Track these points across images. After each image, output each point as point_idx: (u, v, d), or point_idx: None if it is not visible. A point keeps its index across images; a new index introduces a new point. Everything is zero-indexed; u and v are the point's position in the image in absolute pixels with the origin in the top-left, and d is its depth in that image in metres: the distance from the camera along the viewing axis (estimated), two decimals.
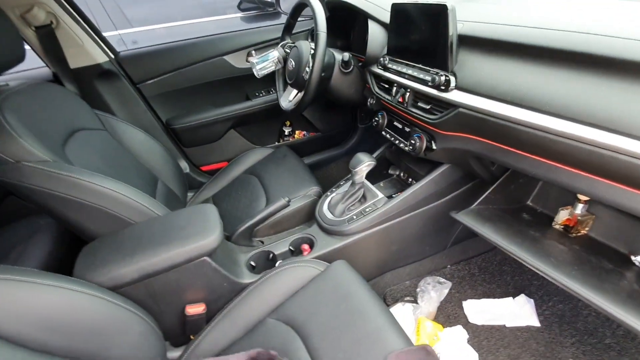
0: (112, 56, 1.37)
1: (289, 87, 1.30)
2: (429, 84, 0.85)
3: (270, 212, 1.09)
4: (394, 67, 1.01)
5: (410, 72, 0.94)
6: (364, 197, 1.07)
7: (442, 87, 0.82)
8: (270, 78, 1.41)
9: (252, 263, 1.03)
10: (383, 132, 1.13)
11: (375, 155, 1.25)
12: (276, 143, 1.76)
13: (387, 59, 1.05)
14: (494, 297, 1.10)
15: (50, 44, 1.24)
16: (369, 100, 1.20)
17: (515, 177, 0.91)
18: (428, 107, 0.90)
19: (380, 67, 1.08)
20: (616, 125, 0.54)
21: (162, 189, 1.24)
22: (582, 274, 0.69)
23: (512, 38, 0.72)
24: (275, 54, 1.31)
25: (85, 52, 1.32)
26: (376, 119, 1.15)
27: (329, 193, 1.16)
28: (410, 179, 1.15)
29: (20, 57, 0.89)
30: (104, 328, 0.66)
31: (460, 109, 0.78)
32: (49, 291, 0.61)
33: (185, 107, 1.54)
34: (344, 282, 0.84)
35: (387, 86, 1.07)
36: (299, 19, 1.31)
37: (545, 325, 1.02)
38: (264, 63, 1.31)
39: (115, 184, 0.89)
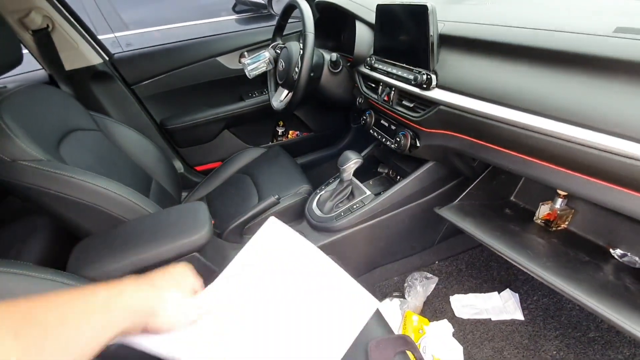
0: (107, 58, 1.40)
1: (280, 87, 1.32)
2: (412, 82, 0.87)
3: (260, 209, 1.11)
4: (380, 66, 1.03)
5: (395, 71, 0.96)
6: (352, 194, 1.09)
7: (424, 86, 0.84)
8: (263, 79, 1.44)
9: None
10: (371, 131, 1.15)
11: (363, 153, 1.27)
12: (269, 143, 1.78)
13: (374, 58, 1.07)
14: (480, 292, 1.12)
15: (46, 46, 1.27)
16: (357, 99, 1.23)
17: (497, 173, 0.93)
18: (412, 105, 0.92)
19: (367, 67, 1.10)
20: (587, 121, 0.56)
21: (156, 188, 1.27)
22: (557, 266, 0.71)
23: (489, 37, 0.75)
24: (266, 55, 1.33)
25: (80, 55, 1.34)
26: (364, 117, 1.17)
27: (318, 191, 1.18)
28: (398, 177, 1.17)
29: (17, 60, 0.91)
30: None
31: (441, 107, 0.81)
32: (43, 284, 0.63)
33: (179, 107, 1.57)
34: None
35: (374, 85, 1.09)
36: (291, 20, 1.34)
37: (530, 319, 1.04)
38: (256, 64, 1.33)
39: (108, 182, 0.91)
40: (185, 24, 2.31)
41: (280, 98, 1.33)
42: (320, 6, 1.36)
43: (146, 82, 1.48)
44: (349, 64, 1.25)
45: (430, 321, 1.04)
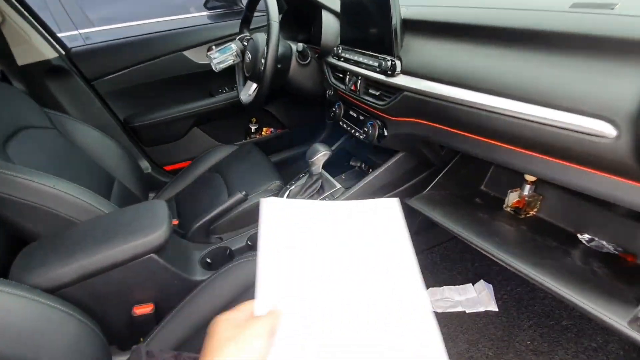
0: (63, 52, 1.32)
1: (248, 81, 1.28)
2: (377, 69, 0.85)
3: (226, 207, 1.06)
4: (347, 55, 1.00)
5: (361, 59, 0.93)
6: (322, 188, 1.06)
7: (389, 72, 0.82)
8: (233, 73, 1.39)
9: (208, 260, 1.00)
10: (340, 123, 1.12)
11: (335, 146, 1.24)
12: (243, 141, 1.73)
13: (341, 48, 1.04)
14: (455, 284, 1.10)
15: None
16: (327, 92, 1.20)
17: (465, 161, 0.91)
18: (378, 93, 0.89)
19: (334, 57, 1.07)
20: (547, 98, 0.53)
21: (119, 189, 1.20)
22: (524, 252, 0.69)
23: (451, 19, 0.73)
24: (233, 47, 1.29)
25: (33, 48, 1.26)
26: (333, 109, 1.14)
27: (288, 186, 1.14)
28: (370, 170, 1.14)
29: None
30: (34, 331, 0.62)
31: (405, 93, 0.78)
32: None
33: (144, 104, 1.50)
34: None
35: (342, 76, 1.06)
36: (260, 14, 1.30)
37: (504, 310, 1.03)
38: (222, 56, 1.29)
39: (58, 181, 0.84)
40: (154, 21, 2.24)
41: (248, 92, 1.28)
42: None
43: (107, 77, 1.40)
44: (317, 56, 1.21)
45: None
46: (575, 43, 0.51)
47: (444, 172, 0.90)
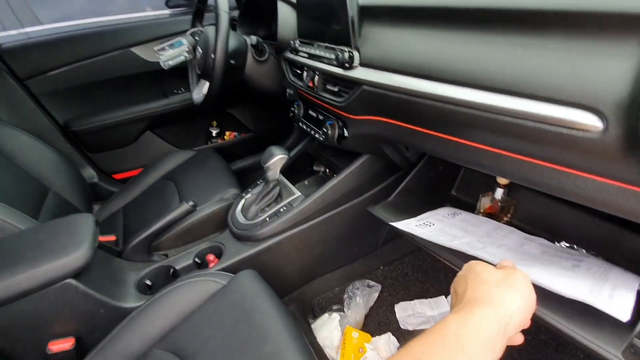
0: None
1: (201, 79, 1.16)
2: (334, 62, 0.76)
3: (170, 219, 0.93)
4: (304, 49, 0.91)
5: (318, 52, 0.84)
6: (280, 196, 0.95)
7: (347, 65, 0.73)
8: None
9: (148, 282, 0.87)
10: (300, 123, 1.02)
11: (296, 150, 1.14)
12: (203, 146, 1.60)
13: (298, 42, 0.94)
14: (427, 297, 1.01)
15: None
16: (287, 90, 1.10)
17: (433, 163, 0.83)
18: (336, 89, 0.80)
19: (292, 51, 0.97)
20: (517, 87, 0.45)
21: (53, 201, 1.05)
22: None
23: (412, 2, 0.65)
24: (184, 42, 1.17)
25: None
26: (292, 109, 1.04)
27: (244, 194, 1.02)
28: (334, 175, 1.05)
29: None
30: None
31: (364, 87, 0.69)
32: None
33: (88, 106, 1.35)
34: (247, 297, 0.71)
35: (300, 72, 0.97)
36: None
37: None
38: (171, 52, 1.16)
39: None
40: (107, 19, 2.09)
41: (201, 91, 1.16)
42: None
43: (43, 75, 1.25)
44: (275, 51, 1.11)
45: (372, 336, 0.91)
46: (549, 20, 0.43)
47: (410, 176, 0.81)
